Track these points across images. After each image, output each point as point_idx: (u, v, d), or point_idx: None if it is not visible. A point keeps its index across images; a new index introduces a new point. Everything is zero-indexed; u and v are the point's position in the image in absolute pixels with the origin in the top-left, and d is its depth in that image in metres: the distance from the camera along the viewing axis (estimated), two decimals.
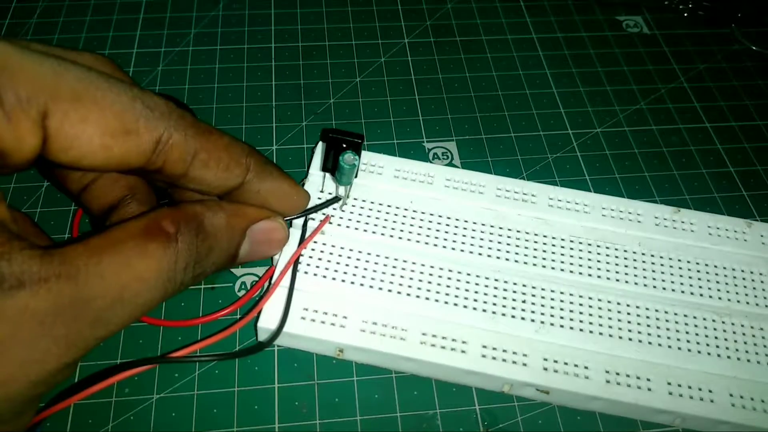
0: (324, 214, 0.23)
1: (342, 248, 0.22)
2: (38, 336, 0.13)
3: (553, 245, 0.23)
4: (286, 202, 0.20)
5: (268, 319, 0.20)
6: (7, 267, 0.12)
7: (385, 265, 0.22)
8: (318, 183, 0.24)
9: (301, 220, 0.22)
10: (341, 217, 0.23)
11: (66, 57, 0.15)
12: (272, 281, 0.21)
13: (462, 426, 0.20)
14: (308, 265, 0.22)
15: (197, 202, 0.17)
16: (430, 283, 0.21)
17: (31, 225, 0.18)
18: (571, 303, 0.21)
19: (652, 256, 0.23)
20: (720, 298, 0.22)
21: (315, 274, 0.21)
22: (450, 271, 0.22)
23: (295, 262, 0.21)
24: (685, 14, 0.34)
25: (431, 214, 0.23)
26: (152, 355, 0.21)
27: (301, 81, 0.30)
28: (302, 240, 0.22)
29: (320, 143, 0.25)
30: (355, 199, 0.23)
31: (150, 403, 0.20)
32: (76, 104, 0.13)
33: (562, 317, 0.21)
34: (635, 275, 0.22)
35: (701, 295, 0.22)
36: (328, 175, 0.24)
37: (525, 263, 0.22)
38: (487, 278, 0.22)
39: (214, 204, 0.17)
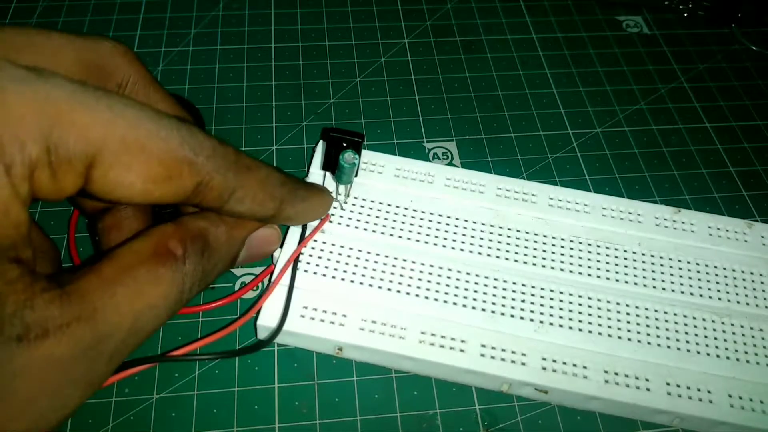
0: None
1: (342, 247, 0.22)
2: (62, 384, 0.12)
3: (553, 245, 0.23)
4: (312, 217, 0.20)
5: (267, 317, 0.20)
6: (30, 315, 0.12)
7: (384, 264, 0.22)
8: (318, 182, 0.24)
9: None
10: (341, 216, 0.23)
11: (86, 47, 0.14)
12: (272, 279, 0.21)
13: (462, 426, 0.20)
14: (308, 263, 0.22)
15: (199, 217, 0.17)
16: (429, 282, 0.21)
17: (41, 237, 0.18)
18: (571, 303, 0.21)
19: (652, 256, 0.23)
20: (720, 299, 0.22)
21: (315, 273, 0.21)
22: (450, 270, 0.22)
23: (295, 261, 0.21)
24: (685, 14, 0.34)
25: (431, 214, 0.23)
26: (152, 354, 0.21)
27: (301, 81, 0.30)
28: (302, 238, 0.22)
29: (321, 142, 0.25)
30: (355, 198, 0.23)
31: (150, 403, 0.20)
32: (124, 155, 0.13)
33: (561, 317, 0.21)
34: (635, 275, 0.22)
35: (701, 295, 0.22)
36: (328, 174, 0.24)
37: (525, 263, 0.22)
38: (486, 277, 0.22)
39: (215, 217, 0.17)
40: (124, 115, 0.13)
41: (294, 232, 0.22)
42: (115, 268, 0.14)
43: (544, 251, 0.23)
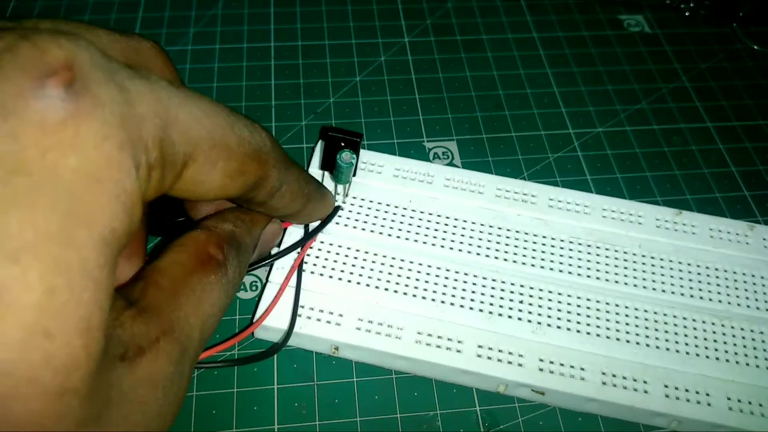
0: None
1: (339, 246, 0.22)
2: (162, 404, 0.12)
3: (553, 246, 0.23)
4: (321, 216, 0.21)
5: (277, 319, 0.20)
6: (122, 333, 0.11)
7: (382, 264, 0.22)
8: None
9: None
10: (339, 215, 0.23)
11: (130, 47, 0.15)
12: (269, 278, 0.21)
13: (462, 427, 0.20)
14: (305, 262, 0.22)
15: (220, 220, 0.17)
16: (427, 282, 0.21)
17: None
18: (569, 304, 0.21)
19: (653, 258, 0.23)
20: (720, 301, 0.22)
21: (312, 272, 0.21)
22: (448, 270, 0.22)
23: (301, 262, 0.21)
24: (687, 13, 0.34)
25: (430, 214, 0.23)
26: None
27: (300, 80, 0.30)
28: (305, 239, 0.22)
29: (320, 141, 0.25)
30: (353, 197, 0.23)
31: None
32: (212, 151, 0.13)
33: (559, 318, 0.21)
34: (635, 277, 0.22)
35: (701, 297, 0.22)
36: (327, 173, 0.24)
37: (523, 264, 0.22)
38: (485, 278, 0.22)
39: (236, 218, 0.17)
40: (208, 112, 0.13)
41: (292, 233, 0.22)
42: (169, 280, 0.13)
43: (543, 252, 0.23)
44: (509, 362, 0.20)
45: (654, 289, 0.22)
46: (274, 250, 0.22)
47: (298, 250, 0.22)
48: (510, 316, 0.21)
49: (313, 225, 0.22)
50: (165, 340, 0.12)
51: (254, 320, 0.20)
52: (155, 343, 0.12)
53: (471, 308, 0.21)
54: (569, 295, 0.21)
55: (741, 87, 0.31)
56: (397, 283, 0.21)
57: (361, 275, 0.21)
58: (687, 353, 0.20)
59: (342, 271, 0.21)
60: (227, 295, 0.15)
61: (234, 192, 0.14)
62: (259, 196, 0.15)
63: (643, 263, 0.22)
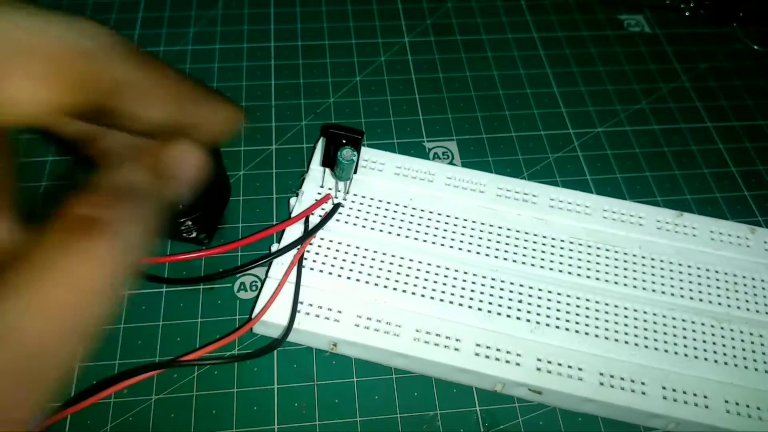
0: (323, 209, 0.23)
1: (339, 243, 0.22)
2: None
3: (552, 246, 0.23)
4: (221, 125, 0.16)
5: (277, 315, 0.20)
6: None
7: (382, 261, 0.22)
8: (318, 178, 0.24)
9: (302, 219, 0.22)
10: (340, 212, 0.23)
11: (70, 26, 0.13)
12: (268, 275, 0.21)
13: (462, 427, 0.20)
14: (304, 259, 0.22)
15: (101, 174, 0.14)
16: (426, 280, 0.21)
17: None
18: (568, 304, 0.21)
19: (653, 259, 0.23)
20: (720, 304, 0.22)
21: (311, 269, 0.21)
22: (447, 268, 0.22)
23: (301, 258, 0.21)
24: (687, 13, 0.34)
25: (431, 212, 0.23)
26: (150, 355, 0.21)
27: (300, 80, 0.30)
28: (305, 236, 0.22)
29: (321, 138, 0.25)
30: (354, 194, 0.23)
31: (149, 404, 0.20)
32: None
33: (558, 318, 0.21)
34: (634, 278, 0.22)
35: (701, 300, 0.22)
36: (328, 170, 0.24)
37: (523, 263, 0.22)
38: (484, 277, 0.22)
39: (125, 162, 0.14)
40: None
41: (293, 231, 0.22)
42: (27, 262, 0.12)
43: (543, 252, 0.22)
44: (507, 361, 0.20)
45: (653, 290, 0.22)
46: (274, 247, 0.22)
47: (298, 246, 0.22)
48: (509, 316, 0.21)
49: (312, 223, 0.22)
50: None
51: (253, 316, 0.20)
52: None
53: (470, 307, 0.21)
54: (568, 296, 0.21)
55: (741, 87, 0.31)
56: (397, 281, 0.21)
57: (360, 272, 0.21)
58: (686, 355, 0.20)
59: (341, 267, 0.21)
60: (123, 252, 0.12)
61: (72, 102, 0.11)
62: (111, 103, 0.12)
63: (643, 264, 0.22)
